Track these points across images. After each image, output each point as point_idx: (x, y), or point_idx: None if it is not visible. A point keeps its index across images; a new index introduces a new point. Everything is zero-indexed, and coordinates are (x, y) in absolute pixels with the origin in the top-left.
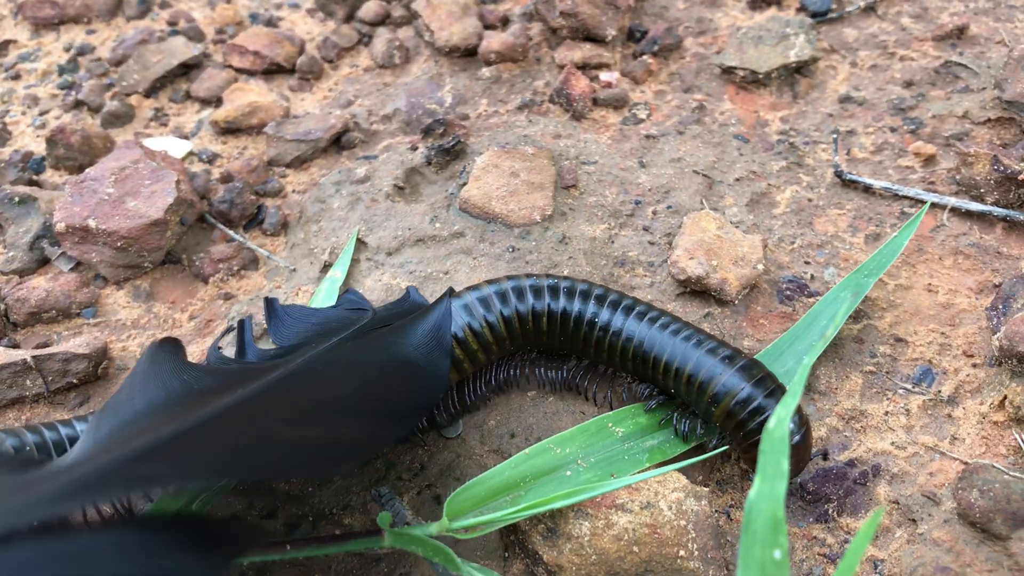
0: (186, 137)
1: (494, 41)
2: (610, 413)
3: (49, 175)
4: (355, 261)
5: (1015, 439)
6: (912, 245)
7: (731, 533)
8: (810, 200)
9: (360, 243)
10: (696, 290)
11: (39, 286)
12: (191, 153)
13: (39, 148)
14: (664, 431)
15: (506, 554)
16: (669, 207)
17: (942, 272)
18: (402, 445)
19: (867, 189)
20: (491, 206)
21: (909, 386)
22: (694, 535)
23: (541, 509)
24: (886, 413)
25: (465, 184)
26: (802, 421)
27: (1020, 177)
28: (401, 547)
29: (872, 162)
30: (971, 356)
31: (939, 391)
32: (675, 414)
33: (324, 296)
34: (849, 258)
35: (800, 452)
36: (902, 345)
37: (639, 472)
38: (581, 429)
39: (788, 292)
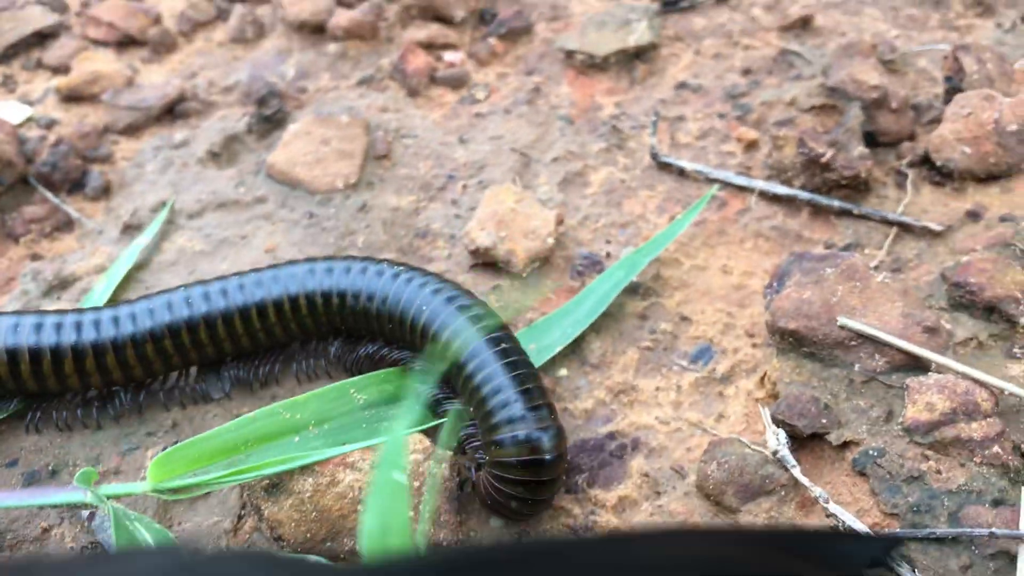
0: (30, 103)
1: (342, 18)
2: (354, 379)
3: None
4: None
5: (762, 415)
6: (714, 227)
7: (473, 503)
8: (623, 181)
9: (162, 206)
10: (486, 262)
11: None
12: (30, 119)
13: None
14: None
15: (241, 511)
16: (480, 182)
17: (741, 254)
18: (158, 403)
19: (681, 172)
20: (295, 172)
21: (685, 363)
22: (427, 497)
23: (246, 477)
24: (657, 388)
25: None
26: (558, 439)
27: (823, 160)
28: (109, 509)
29: (695, 147)
30: (752, 336)
31: (714, 369)
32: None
33: (124, 262)
34: (650, 237)
35: (556, 468)
36: (686, 323)
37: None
38: (317, 395)
39: (581, 268)
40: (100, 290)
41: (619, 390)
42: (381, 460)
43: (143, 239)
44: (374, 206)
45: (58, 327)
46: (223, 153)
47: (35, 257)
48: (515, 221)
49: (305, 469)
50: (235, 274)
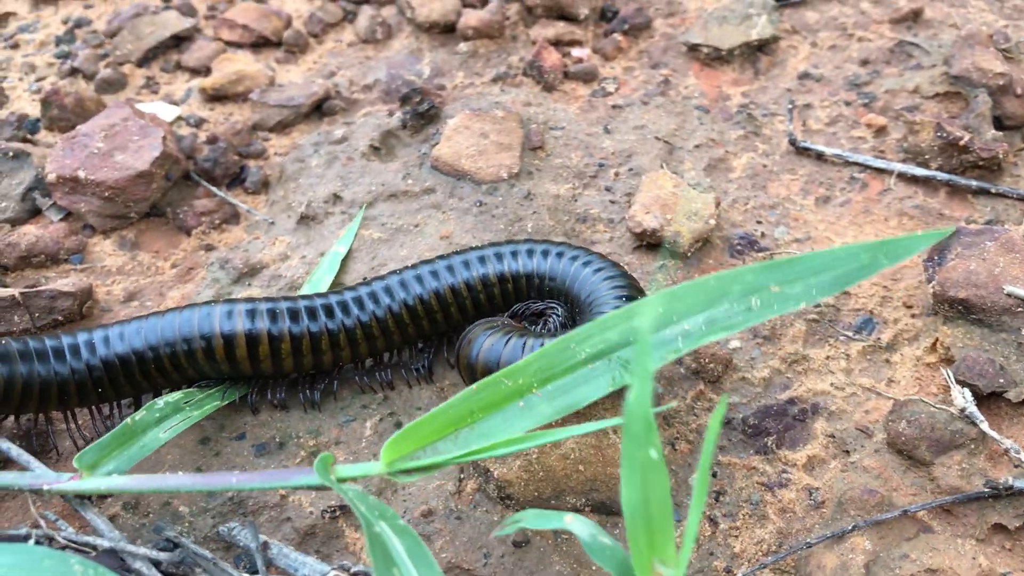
0: (175, 103)
1: (472, 18)
2: (575, 331)
3: (43, 135)
4: (329, 214)
5: (944, 377)
6: (860, 207)
7: (674, 462)
8: (765, 166)
9: (335, 197)
10: (651, 243)
11: (29, 233)
12: (179, 118)
13: (34, 111)
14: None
15: (462, 474)
16: (630, 169)
17: (887, 231)
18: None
19: (819, 156)
20: (460, 164)
21: (850, 333)
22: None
23: (482, 456)
24: (827, 357)
25: (437, 144)
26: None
27: (961, 143)
28: (338, 490)
29: (826, 133)
30: (910, 307)
31: (878, 339)
32: None
33: (325, 270)
34: (799, 218)
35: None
36: (845, 297)
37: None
38: (538, 355)
39: (739, 247)
40: (320, 278)
41: (792, 360)
42: (632, 436)
43: (339, 248)
44: (537, 194)
45: (293, 313)
46: (382, 148)
47: (208, 248)
48: (677, 204)
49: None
50: (439, 257)
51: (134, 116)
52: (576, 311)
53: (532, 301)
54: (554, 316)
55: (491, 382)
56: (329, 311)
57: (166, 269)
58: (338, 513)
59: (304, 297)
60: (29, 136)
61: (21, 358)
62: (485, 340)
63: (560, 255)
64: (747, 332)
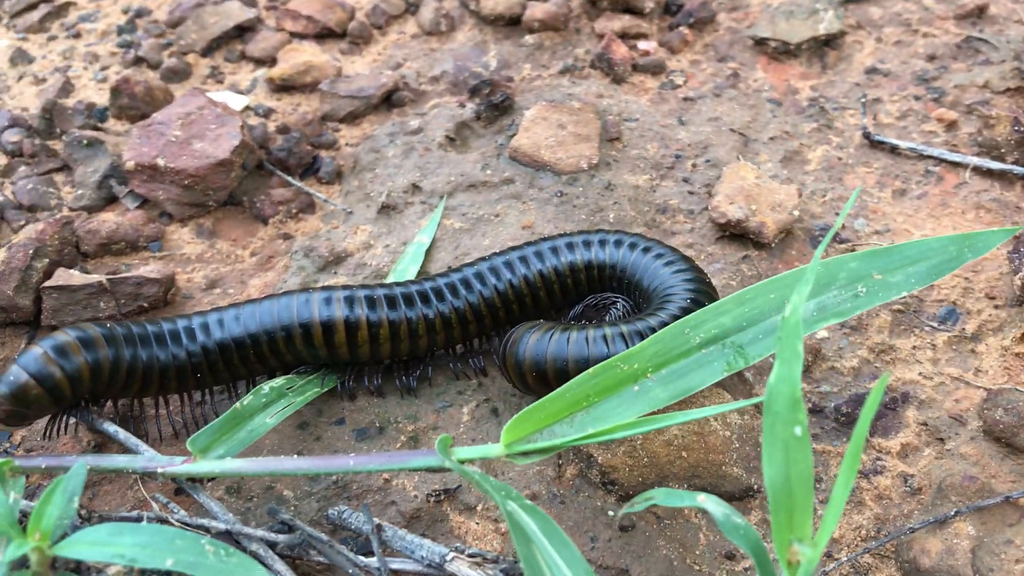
0: (241, 93)
1: (537, 11)
2: (689, 316)
3: (111, 124)
4: (409, 204)
5: None
6: (937, 200)
7: (758, 455)
8: (840, 159)
9: (415, 187)
10: (735, 233)
11: (109, 220)
12: (247, 108)
13: (101, 99)
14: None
15: (560, 461)
16: (707, 161)
17: (964, 224)
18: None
19: (894, 150)
20: (540, 154)
21: (935, 324)
22: (737, 445)
23: (601, 439)
24: (913, 347)
25: (514, 135)
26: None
27: None
28: (458, 473)
29: (897, 127)
30: (993, 298)
31: (963, 329)
32: None
33: (410, 259)
34: (877, 210)
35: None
36: (928, 288)
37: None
38: (653, 339)
39: (820, 239)
40: (405, 268)
41: (879, 350)
42: (775, 413)
43: (422, 238)
44: (617, 185)
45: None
46: (456, 138)
47: (286, 237)
48: (760, 195)
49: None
50: (523, 245)
51: (209, 105)
52: (643, 302)
53: (603, 295)
54: (614, 309)
55: (607, 366)
56: (425, 297)
57: (245, 257)
58: (443, 497)
59: (399, 284)
60: (99, 125)
61: (127, 342)
62: (530, 338)
63: (632, 246)
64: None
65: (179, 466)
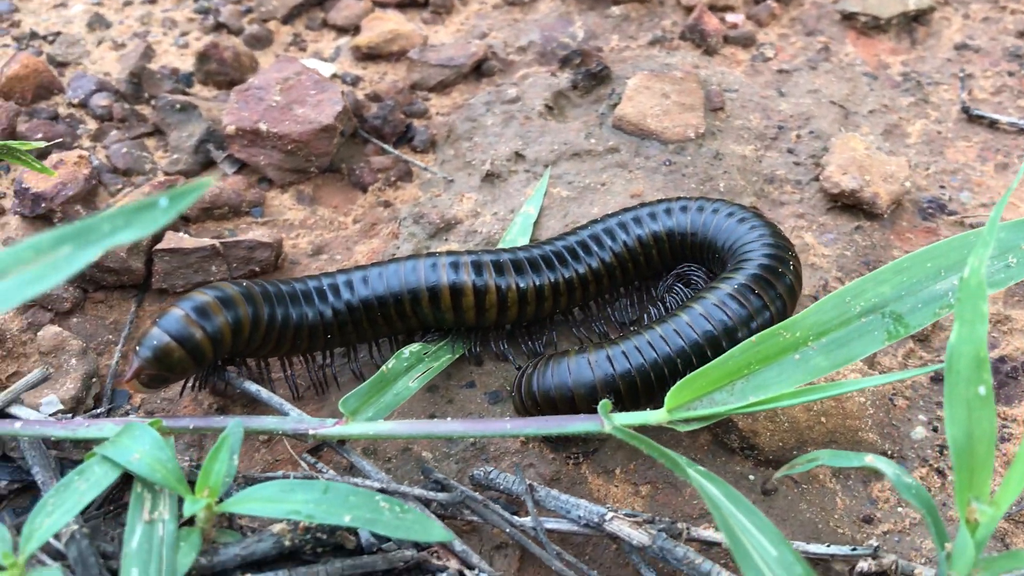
0: (327, 61)
1: None
2: (849, 285)
3: (197, 89)
4: (513, 172)
5: None
6: None
7: (895, 418)
8: (939, 132)
9: (518, 156)
10: (847, 204)
11: (210, 184)
12: (334, 75)
13: (184, 65)
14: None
15: None
16: (811, 132)
17: None
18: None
19: (992, 124)
20: (646, 123)
21: None
22: (871, 411)
23: (766, 407)
24: None
25: (616, 104)
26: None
27: None
28: (622, 439)
29: (992, 102)
30: None
31: None
32: None
33: (518, 231)
34: (981, 183)
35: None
36: None
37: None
38: (814, 308)
39: (930, 211)
40: (515, 238)
41: (995, 320)
42: (957, 373)
43: (528, 209)
44: (725, 154)
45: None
46: (554, 108)
47: (386, 205)
48: (872, 166)
49: None
50: (624, 210)
51: (305, 71)
52: (719, 263)
53: (684, 267)
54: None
55: (769, 334)
56: (549, 262)
57: (348, 224)
58: (580, 460)
59: (522, 249)
60: (185, 90)
61: (264, 300)
62: (550, 366)
63: (715, 210)
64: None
65: (331, 428)
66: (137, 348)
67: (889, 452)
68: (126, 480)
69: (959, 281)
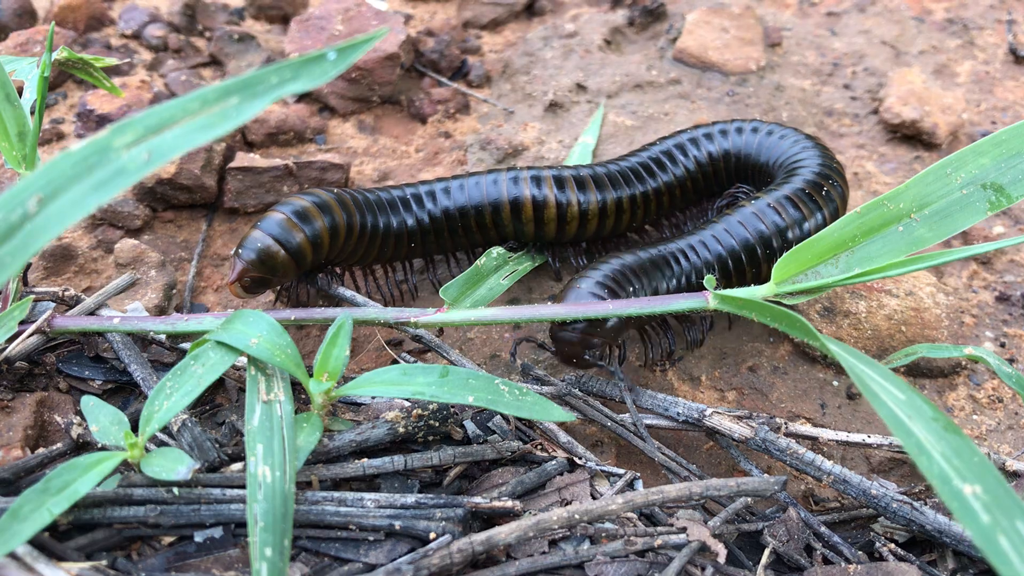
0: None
1: None
2: (951, 156)
3: (249, 23)
4: (575, 103)
5: None
6: None
7: (963, 335)
8: (987, 72)
9: (579, 87)
10: (907, 135)
11: (275, 111)
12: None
13: (233, 1)
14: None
15: (771, 338)
16: (865, 69)
17: None
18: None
19: None
20: (708, 55)
21: None
22: (947, 323)
23: (871, 278)
24: None
25: (676, 39)
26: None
27: None
28: (730, 310)
29: None
30: None
31: None
32: None
33: (577, 159)
34: None
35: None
36: None
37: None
38: (917, 179)
39: None
40: (579, 154)
41: None
42: None
43: (586, 139)
44: (786, 87)
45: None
46: (612, 42)
47: (446, 135)
48: (931, 98)
49: (854, 294)
50: (677, 133)
51: (363, 2)
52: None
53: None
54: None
55: (873, 205)
56: (625, 177)
57: (411, 153)
58: (667, 367)
59: (599, 164)
60: (238, 23)
61: (356, 208)
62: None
63: (755, 130)
64: (1009, 219)
65: (433, 316)
66: (240, 251)
67: (963, 362)
68: (218, 383)
69: None
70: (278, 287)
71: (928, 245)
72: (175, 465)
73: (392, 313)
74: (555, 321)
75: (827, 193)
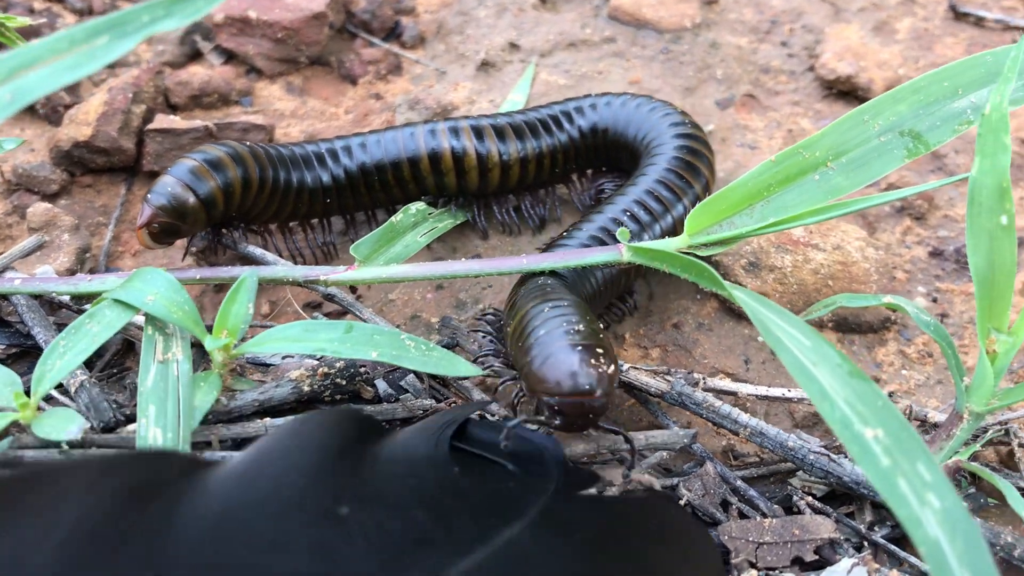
0: None
1: None
2: (867, 104)
3: None
4: (508, 62)
5: None
6: None
7: (898, 289)
8: (927, 29)
9: (512, 46)
10: (843, 91)
11: (199, 72)
12: None
13: None
14: None
15: (698, 295)
16: (803, 26)
17: None
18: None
19: (978, 21)
20: (642, 12)
21: None
22: (876, 277)
23: (786, 227)
24: (1020, 198)
25: None
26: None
27: None
28: (643, 262)
29: (977, 2)
30: None
31: None
32: None
33: (522, 91)
34: None
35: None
36: (1021, 145)
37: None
38: (832, 127)
39: None
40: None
41: None
42: (979, 204)
43: (515, 96)
44: (721, 44)
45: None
46: (547, 0)
47: (377, 97)
48: (867, 53)
49: (779, 248)
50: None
51: None
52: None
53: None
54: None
55: (788, 154)
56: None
57: (340, 115)
58: None
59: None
60: None
61: (268, 160)
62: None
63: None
64: (944, 174)
65: (343, 273)
66: (150, 196)
67: (891, 317)
68: (128, 346)
69: (981, 117)
70: (188, 242)
71: (845, 193)
72: (66, 425)
73: (301, 271)
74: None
75: (685, 182)
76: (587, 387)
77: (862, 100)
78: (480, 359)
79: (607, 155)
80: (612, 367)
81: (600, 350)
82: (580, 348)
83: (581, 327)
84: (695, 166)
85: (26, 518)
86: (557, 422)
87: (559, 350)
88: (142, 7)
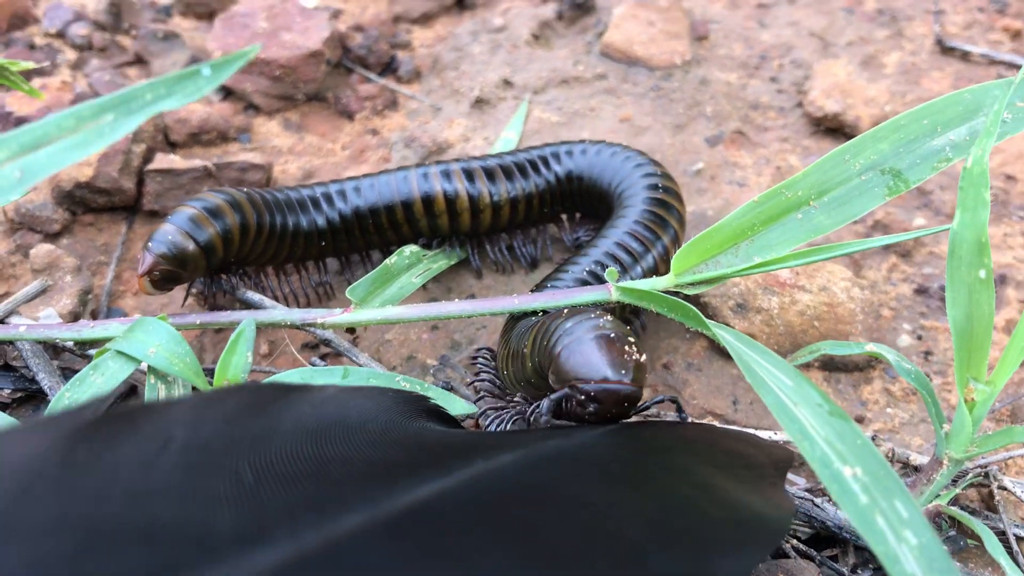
0: None
1: None
2: (850, 143)
3: (177, 21)
4: (502, 99)
5: None
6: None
7: (879, 329)
8: (914, 63)
9: (506, 83)
10: (830, 127)
11: (198, 110)
12: (316, 7)
13: None
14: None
15: (687, 334)
16: (792, 61)
17: None
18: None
19: (965, 56)
20: (633, 50)
21: (1022, 214)
22: (861, 318)
23: (771, 268)
24: (1004, 235)
25: (602, 33)
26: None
27: None
28: (631, 302)
29: (963, 36)
30: None
31: None
32: None
33: (515, 128)
34: None
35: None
36: (1012, 181)
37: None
38: (816, 166)
39: None
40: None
41: None
42: (958, 258)
43: (509, 134)
44: (711, 80)
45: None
46: (540, 37)
47: (373, 132)
48: (854, 90)
49: (767, 290)
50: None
51: (289, 0)
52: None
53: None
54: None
55: (771, 194)
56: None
57: (337, 151)
58: None
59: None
60: (164, 19)
61: (267, 207)
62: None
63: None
64: (930, 211)
65: (340, 316)
66: (150, 244)
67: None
68: (132, 389)
69: (963, 171)
70: (188, 287)
71: (827, 231)
72: None
73: (298, 315)
74: (463, 317)
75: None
76: (623, 372)
77: (849, 137)
78: (474, 383)
79: (583, 202)
80: (644, 356)
81: (631, 338)
82: (613, 335)
83: (606, 320)
84: (664, 218)
85: (146, 434)
86: (591, 409)
87: (591, 339)
88: (146, 85)
